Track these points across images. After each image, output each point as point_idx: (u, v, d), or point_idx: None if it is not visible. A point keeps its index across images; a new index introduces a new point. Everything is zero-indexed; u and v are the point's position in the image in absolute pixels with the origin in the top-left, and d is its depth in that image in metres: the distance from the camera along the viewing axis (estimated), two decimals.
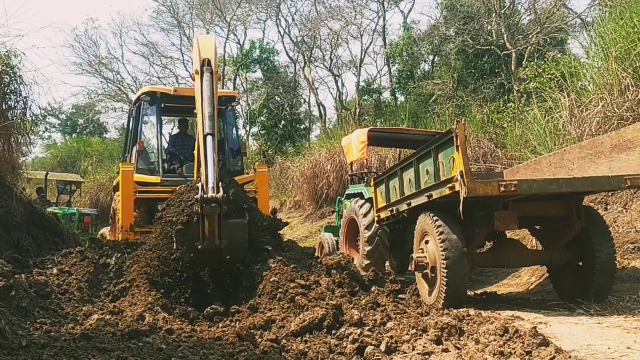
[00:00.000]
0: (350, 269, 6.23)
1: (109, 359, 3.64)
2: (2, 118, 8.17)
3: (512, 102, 16.05)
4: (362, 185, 9.96)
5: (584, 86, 10.46)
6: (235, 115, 11.52)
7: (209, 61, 7.07)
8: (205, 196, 5.75)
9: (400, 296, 6.32)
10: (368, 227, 8.73)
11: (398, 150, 13.05)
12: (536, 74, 13.81)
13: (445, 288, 5.86)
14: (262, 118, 29.34)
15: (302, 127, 30.59)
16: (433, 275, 6.14)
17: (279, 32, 30.52)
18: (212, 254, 5.92)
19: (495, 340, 4.01)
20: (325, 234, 10.84)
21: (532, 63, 15.08)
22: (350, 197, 9.84)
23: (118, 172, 10.04)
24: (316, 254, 7.60)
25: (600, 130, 8.82)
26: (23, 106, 8.66)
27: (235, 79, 31.55)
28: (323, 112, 29.34)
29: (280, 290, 5.37)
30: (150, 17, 41.35)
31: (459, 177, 5.27)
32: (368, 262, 8.62)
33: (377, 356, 3.93)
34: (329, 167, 18.18)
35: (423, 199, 6.32)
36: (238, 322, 4.99)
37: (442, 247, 5.85)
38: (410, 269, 6.85)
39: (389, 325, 4.63)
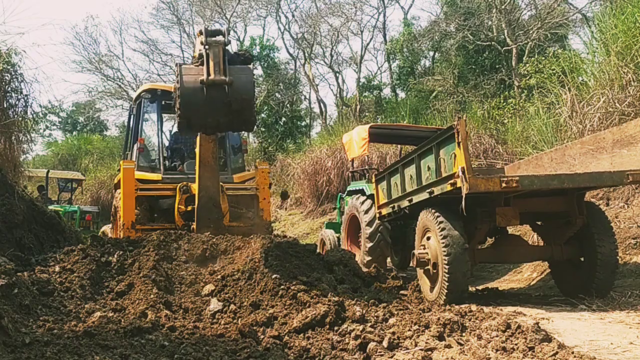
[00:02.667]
0: (351, 266, 6.24)
1: (111, 356, 3.64)
2: (3, 116, 8.18)
3: (513, 98, 16.03)
4: (363, 181, 9.96)
5: (584, 81, 10.45)
6: None
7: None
8: (203, 29, 5.68)
9: (402, 292, 6.33)
10: (369, 224, 8.74)
11: (399, 146, 13.05)
12: (537, 69, 13.79)
13: (446, 284, 5.86)
14: (263, 115, 29.30)
15: (303, 123, 30.56)
16: (435, 271, 6.14)
17: (279, 28, 30.51)
18: (219, 94, 5.65)
19: (497, 336, 4.02)
20: (326, 230, 10.85)
21: (533, 58, 15.05)
22: (351, 193, 9.84)
23: (119, 170, 10.05)
24: (317, 251, 7.61)
25: (601, 126, 8.81)
26: (24, 104, 8.69)
27: None
28: (323, 109, 29.35)
29: (282, 286, 5.38)
30: (150, 14, 41.42)
31: (460, 173, 5.27)
32: (369, 258, 8.63)
33: (380, 352, 3.94)
34: (330, 164, 18.19)
35: (424, 195, 6.32)
36: (240, 319, 5.00)
37: (443, 243, 5.85)
38: (411, 265, 6.87)
39: (391, 321, 4.63)
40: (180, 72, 5.75)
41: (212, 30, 5.77)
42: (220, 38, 5.79)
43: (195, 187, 9.16)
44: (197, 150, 7.84)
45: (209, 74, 5.68)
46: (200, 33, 5.83)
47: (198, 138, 7.69)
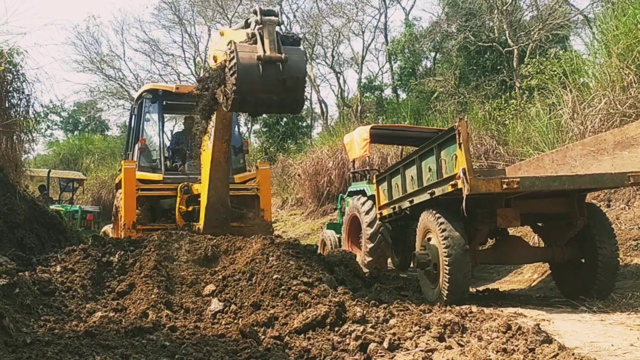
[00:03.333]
0: (352, 266, 6.25)
1: (112, 356, 3.65)
2: (5, 115, 8.18)
3: (514, 99, 16.03)
4: (364, 182, 9.97)
5: (585, 83, 10.45)
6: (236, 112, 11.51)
7: None
8: (257, 9, 5.81)
9: (403, 293, 6.33)
10: (370, 224, 8.74)
11: (400, 147, 13.06)
12: (538, 70, 13.79)
13: (447, 285, 5.86)
14: (264, 115, 29.31)
15: (304, 124, 30.57)
16: (435, 272, 6.14)
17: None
18: (274, 72, 5.73)
19: (498, 337, 4.01)
20: (327, 231, 10.86)
21: (534, 60, 15.06)
22: (352, 194, 9.85)
23: (120, 170, 10.06)
24: (318, 251, 7.62)
25: (602, 127, 8.81)
26: (25, 104, 8.69)
27: None
28: (325, 109, 29.37)
29: (282, 287, 5.38)
30: (152, 14, 41.40)
31: (461, 174, 5.27)
32: (370, 259, 8.63)
33: (380, 353, 3.94)
34: (331, 164, 18.20)
35: (425, 196, 6.32)
36: (241, 319, 5.00)
37: (444, 244, 5.85)
38: (412, 265, 6.87)
39: (392, 321, 4.63)
40: (236, 49, 5.78)
41: (266, 10, 5.89)
42: (273, 17, 5.88)
43: (196, 187, 9.21)
44: (208, 150, 7.85)
45: (264, 51, 5.73)
46: (255, 12, 5.90)
47: (211, 138, 7.71)
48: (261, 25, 5.86)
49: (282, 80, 5.84)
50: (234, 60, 5.73)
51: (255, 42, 5.84)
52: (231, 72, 5.80)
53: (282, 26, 6.30)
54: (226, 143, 7.70)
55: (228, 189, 8.27)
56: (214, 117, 7.51)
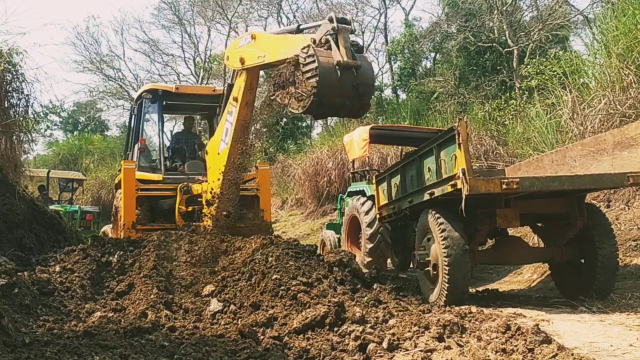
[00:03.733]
0: (352, 266, 6.24)
1: (111, 356, 3.65)
2: (5, 115, 8.19)
3: (514, 99, 16.03)
4: (363, 182, 9.97)
5: (585, 83, 10.45)
6: None
7: None
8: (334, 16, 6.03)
9: (402, 293, 6.33)
10: (370, 225, 8.73)
11: (400, 147, 13.05)
12: (538, 70, 13.79)
13: (447, 285, 5.86)
14: (263, 115, 29.28)
15: (304, 124, 30.53)
16: (435, 272, 6.14)
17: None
18: (349, 77, 5.94)
19: (497, 337, 4.01)
20: (326, 231, 10.85)
21: (534, 60, 15.06)
22: (351, 194, 9.84)
23: (120, 170, 10.05)
24: (318, 252, 7.61)
25: (602, 128, 8.82)
26: (25, 104, 8.70)
27: None
28: None
29: (282, 287, 5.38)
30: (151, 14, 41.45)
31: (461, 175, 5.27)
32: (370, 259, 8.62)
33: (379, 353, 3.94)
34: (331, 165, 18.19)
35: (425, 196, 6.32)
36: (240, 319, 5.00)
37: (443, 244, 5.85)
38: (411, 266, 6.86)
39: (391, 322, 4.63)
40: (316, 53, 5.93)
41: (340, 18, 6.12)
42: (348, 25, 6.11)
43: (196, 187, 9.20)
44: (220, 151, 7.92)
45: (341, 57, 5.92)
46: (330, 20, 6.09)
47: (226, 139, 7.81)
48: (334, 32, 6.04)
49: (356, 85, 6.06)
50: (315, 64, 5.88)
51: (329, 48, 6.02)
52: (309, 74, 5.95)
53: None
54: (242, 144, 7.83)
55: (239, 190, 8.39)
56: (232, 119, 7.61)
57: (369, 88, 6.28)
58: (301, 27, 7.18)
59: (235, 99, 7.69)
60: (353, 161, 11.10)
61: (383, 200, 7.98)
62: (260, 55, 7.18)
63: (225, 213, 7.99)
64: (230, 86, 8.16)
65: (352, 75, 6.00)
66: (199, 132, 14.89)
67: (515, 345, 3.80)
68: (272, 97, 6.53)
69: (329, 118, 29.20)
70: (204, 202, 8.91)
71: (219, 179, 7.99)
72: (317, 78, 5.85)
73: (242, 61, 7.45)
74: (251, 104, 7.89)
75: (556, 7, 18.82)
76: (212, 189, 8.35)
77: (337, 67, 5.91)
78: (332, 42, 6.02)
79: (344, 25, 6.08)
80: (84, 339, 3.89)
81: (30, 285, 4.97)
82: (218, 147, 8.05)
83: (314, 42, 6.14)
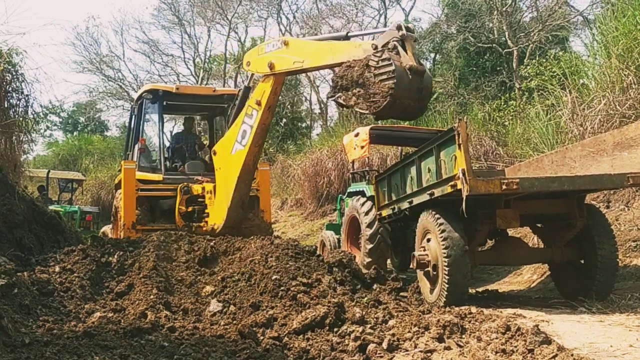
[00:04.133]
0: (351, 267, 6.24)
1: (111, 357, 3.64)
2: (4, 116, 8.19)
3: (514, 100, 16.03)
4: (363, 183, 9.95)
5: (585, 84, 10.45)
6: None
7: None
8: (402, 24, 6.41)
9: (402, 294, 6.32)
10: (369, 225, 8.72)
11: (399, 148, 13.04)
12: (537, 71, 13.79)
13: (446, 286, 5.86)
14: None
15: (303, 125, 30.56)
16: (435, 273, 6.14)
17: (280, 29, 30.46)
18: (417, 81, 6.24)
19: (497, 338, 4.01)
20: (326, 231, 10.84)
21: (534, 61, 15.06)
22: (351, 194, 9.83)
23: (120, 170, 10.06)
24: (317, 252, 7.61)
25: (602, 128, 8.82)
26: (25, 104, 8.70)
27: (236, 77, 31.54)
28: (324, 110, 29.32)
29: (282, 287, 5.38)
30: (151, 15, 41.46)
31: (461, 175, 5.27)
32: (369, 259, 8.61)
33: (379, 354, 3.93)
34: (330, 165, 18.18)
35: (425, 197, 6.32)
36: (240, 320, 5.00)
37: (443, 244, 5.85)
38: (411, 266, 6.86)
39: (391, 322, 4.63)
40: (391, 56, 6.18)
41: (406, 26, 6.47)
42: (413, 33, 6.53)
43: (196, 188, 9.21)
44: (234, 153, 8.04)
45: (412, 62, 6.23)
46: (399, 28, 6.40)
47: (243, 142, 7.96)
48: (400, 39, 6.33)
49: (420, 89, 6.38)
50: (391, 67, 6.11)
51: (397, 53, 6.26)
52: (385, 77, 6.16)
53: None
54: (259, 147, 8.12)
55: (249, 191, 8.64)
56: (253, 122, 7.78)
57: (429, 91, 6.73)
58: (349, 34, 7.59)
59: (258, 103, 7.81)
60: (353, 162, 11.09)
61: (383, 201, 7.98)
62: (297, 60, 7.33)
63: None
64: (248, 88, 8.29)
65: (419, 79, 6.29)
66: (199, 133, 14.90)
67: (515, 346, 3.80)
68: (332, 99, 6.68)
69: (328, 118, 29.30)
70: (207, 202, 8.94)
71: (231, 179, 8.12)
72: (394, 80, 6.07)
73: (271, 66, 7.56)
74: (273, 108, 8.13)
75: (556, 8, 18.83)
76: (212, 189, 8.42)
77: (409, 71, 6.16)
78: (399, 48, 6.28)
79: (410, 33, 6.42)
80: (84, 339, 3.89)
81: (29, 285, 4.96)
82: (231, 148, 8.12)
83: (375, 47, 6.40)
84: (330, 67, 7.22)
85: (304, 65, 7.31)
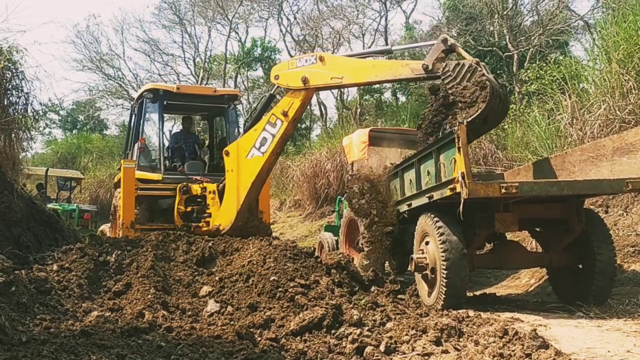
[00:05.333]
0: (349, 269, 6.23)
1: (108, 356, 3.64)
2: (4, 113, 8.17)
3: (513, 104, 16.03)
4: None
5: (585, 89, 10.46)
6: (237, 114, 11.53)
7: None
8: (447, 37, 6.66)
9: (400, 296, 6.32)
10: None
11: (399, 150, 13.03)
12: (537, 75, 13.79)
13: (444, 289, 5.86)
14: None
15: (303, 126, 30.55)
16: (433, 276, 6.14)
17: (281, 30, 30.52)
18: (498, 102, 6.28)
19: (494, 342, 4.01)
20: (325, 233, 10.84)
21: (534, 65, 15.06)
22: None
23: (119, 169, 10.05)
24: (316, 253, 7.61)
25: (601, 133, 8.82)
26: (24, 102, 8.67)
27: (236, 77, 31.58)
28: (324, 111, 29.36)
29: (279, 289, 5.37)
30: (152, 14, 41.34)
31: (460, 178, 5.27)
32: (367, 262, 8.60)
33: (377, 356, 3.93)
34: (329, 167, 18.19)
35: (423, 200, 6.32)
36: (237, 321, 4.99)
37: (442, 248, 5.85)
38: (409, 269, 6.85)
39: (388, 325, 4.63)
40: (489, 77, 6.24)
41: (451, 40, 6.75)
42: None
43: (195, 188, 9.20)
44: (250, 158, 8.14)
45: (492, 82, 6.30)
46: (444, 41, 6.63)
47: (262, 149, 8.07)
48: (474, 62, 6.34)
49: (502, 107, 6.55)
50: (486, 82, 6.12)
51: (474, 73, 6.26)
52: (485, 91, 6.12)
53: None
54: (276, 156, 8.31)
55: (258, 195, 8.77)
56: (276, 132, 7.91)
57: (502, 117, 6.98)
58: (393, 48, 7.91)
59: (285, 114, 7.85)
60: (352, 163, 11.09)
61: None
62: (334, 76, 7.38)
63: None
64: (272, 97, 8.34)
65: (501, 105, 6.40)
66: (198, 132, 14.88)
67: (513, 350, 3.80)
68: (443, 121, 6.57)
69: (327, 120, 29.30)
70: (209, 202, 8.95)
71: (243, 183, 8.25)
72: (492, 95, 6.08)
73: (305, 81, 7.57)
74: (297, 121, 8.40)
75: (557, 12, 18.85)
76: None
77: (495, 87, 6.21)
78: (483, 69, 6.30)
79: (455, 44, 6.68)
80: (81, 338, 3.88)
81: (27, 283, 4.96)
82: (247, 153, 8.16)
83: (426, 67, 6.50)
84: (370, 84, 7.29)
85: (343, 81, 7.41)
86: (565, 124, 9.98)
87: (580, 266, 6.39)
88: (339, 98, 28.83)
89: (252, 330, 4.56)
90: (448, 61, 6.43)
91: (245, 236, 7.32)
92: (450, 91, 6.25)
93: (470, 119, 5.98)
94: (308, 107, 30.69)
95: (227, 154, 8.51)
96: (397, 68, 6.92)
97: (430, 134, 6.55)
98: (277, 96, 8.66)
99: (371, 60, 7.56)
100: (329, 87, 7.76)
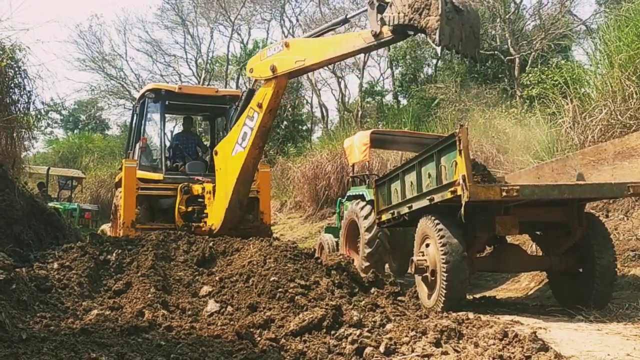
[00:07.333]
0: (349, 270, 6.24)
1: (107, 354, 3.63)
2: (6, 112, 8.19)
3: (515, 108, 16.04)
4: (363, 187, 9.96)
5: (587, 93, 10.46)
6: None
7: None
8: None
9: (400, 298, 6.32)
10: (368, 229, 8.73)
11: (400, 152, 13.05)
12: (539, 79, 13.81)
13: (444, 291, 5.86)
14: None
15: (304, 127, 30.59)
16: (433, 278, 6.14)
17: (283, 32, 30.56)
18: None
19: (494, 344, 4.01)
20: (325, 234, 10.84)
21: (536, 69, 15.09)
22: (351, 198, 9.84)
23: (120, 168, 10.05)
24: (316, 255, 7.61)
25: (602, 137, 8.82)
26: (26, 100, 8.70)
27: (238, 78, 31.60)
28: (325, 114, 29.39)
29: (279, 289, 5.37)
30: (155, 15, 41.48)
31: (461, 181, 5.28)
32: (368, 263, 8.62)
33: (376, 357, 3.93)
34: (330, 168, 18.20)
35: (424, 202, 6.32)
36: (237, 321, 4.99)
37: (442, 250, 5.85)
38: (409, 271, 6.86)
39: (388, 326, 4.63)
40: None
41: None
42: None
43: (196, 187, 9.21)
44: (234, 154, 8.05)
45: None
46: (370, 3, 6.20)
47: (243, 144, 7.95)
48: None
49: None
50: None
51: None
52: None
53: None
54: (259, 150, 8.05)
55: (248, 193, 8.60)
56: (254, 125, 7.77)
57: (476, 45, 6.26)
58: (348, 17, 7.50)
59: (260, 105, 7.80)
60: (353, 165, 11.10)
61: (382, 205, 7.98)
62: (298, 59, 7.29)
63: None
64: (251, 91, 8.28)
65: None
66: (200, 133, 14.90)
67: (512, 352, 3.80)
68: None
69: (328, 122, 29.34)
70: (206, 202, 8.94)
71: (230, 180, 8.11)
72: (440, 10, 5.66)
73: (274, 69, 7.54)
74: (274, 111, 8.08)
75: (559, 17, 18.87)
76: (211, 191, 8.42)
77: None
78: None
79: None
80: (81, 336, 3.88)
81: (28, 281, 4.96)
82: (232, 149, 8.13)
83: (375, 33, 6.18)
84: (333, 61, 7.11)
85: (306, 63, 7.25)
86: (567, 127, 9.98)
87: (581, 270, 6.39)
88: (340, 100, 28.86)
89: (251, 330, 4.56)
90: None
91: (246, 237, 7.32)
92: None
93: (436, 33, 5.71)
94: (309, 108, 30.87)
95: (216, 153, 8.55)
96: (352, 40, 6.69)
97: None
98: (257, 90, 8.61)
99: (330, 37, 7.35)
100: (296, 72, 7.59)
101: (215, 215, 8.54)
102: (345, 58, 7.07)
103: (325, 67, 29.73)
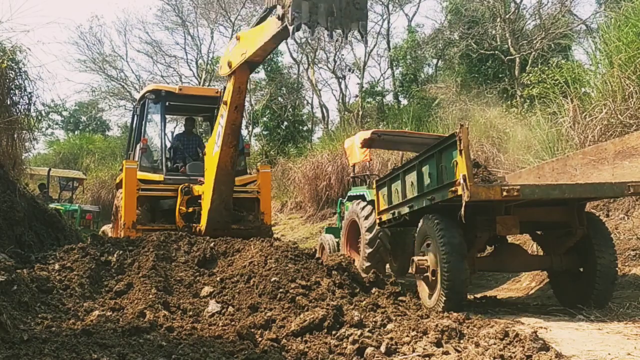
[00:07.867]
0: (350, 270, 6.25)
1: (109, 355, 3.64)
2: (6, 113, 8.20)
3: (515, 107, 16.04)
4: (363, 187, 9.97)
5: (587, 92, 10.46)
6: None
7: None
8: None
9: (400, 298, 6.32)
10: (369, 229, 8.73)
11: (400, 152, 13.05)
12: (539, 79, 13.80)
13: (445, 291, 5.86)
14: (265, 118, 29.35)
15: (305, 128, 30.58)
16: (433, 278, 6.14)
17: None
18: None
19: (495, 344, 4.02)
20: (326, 235, 10.85)
21: (536, 68, 15.08)
22: (351, 198, 9.84)
23: (121, 169, 10.07)
24: (317, 255, 7.62)
25: (603, 137, 8.82)
26: (27, 101, 8.72)
27: None
28: (325, 114, 29.36)
29: (280, 290, 5.38)
30: (155, 16, 41.51)
31: (462, 181, 5.27)
32: (368, 264, 8.62)
33: (377, 357, 3.94)
34: (331, 169, 18.21)
35: (425, 202, 6.32)
36: (238, 321, 5.00)
37: (443, 250, 5.85)
38: (410, 271, 6.85)
39: (389, 326, 4.63)
40: None
41: None
42: None
43: (197, 188, 9.22)
44: (213, 154, 7.98)
45: None
46: None
47: (218, 143, 7.88)
48: None
49: None
50: None
51: None
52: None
53: None
54: (234, 148, 7.91)
55: (232, 193, 8.47)
56: (223, 122, 7.68)
57: None
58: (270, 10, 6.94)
59: (225, 103, 7.76)
60: (353, 165, 11.11)
61: (383, 205, 7.98)
62: (242, 52, 7.22)
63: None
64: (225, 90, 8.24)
65: None
66: (200, 134, 14.90)
67: (513, 352, 3.80)
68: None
69: (329, 122, 29.33)
70: (202, 204, 8.95)
71: (211, 180, 8.09)
72: None
73: (229, 65, 7.53)
74: (241, 108, 7.90)
75: (559, 16, 18.87)
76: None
77: None
78: None
79: None
80: (82, 337, 3.89)
81: (29, 282, 4.97)
82: (212, 150, 8.13)
83: (279, 16, 5.91)
84: (264, 48, 6.83)
85: (247, 54, 7.11)
86: (567, 127, 9.98)
87: (581, 269, 6.38)
88: (340, 100, 28.87)
89: (252, 330, 4.57)
90: None
91: (246, 237, 7.33)
92: None
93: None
94: (310, 109, 30.85)
95: (204, 153, 8.57)
96: (271, 26, 6.44)
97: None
98: None
99: (257, 28, 7.07)
100: (246, 65, 7.41)
101: (203, 216, 8.55)
102: (271, 46, 6.81)
103: (325, 67, 29.85)
